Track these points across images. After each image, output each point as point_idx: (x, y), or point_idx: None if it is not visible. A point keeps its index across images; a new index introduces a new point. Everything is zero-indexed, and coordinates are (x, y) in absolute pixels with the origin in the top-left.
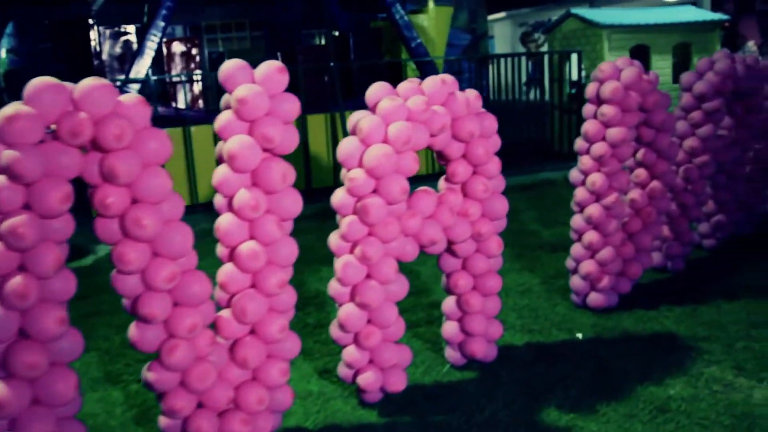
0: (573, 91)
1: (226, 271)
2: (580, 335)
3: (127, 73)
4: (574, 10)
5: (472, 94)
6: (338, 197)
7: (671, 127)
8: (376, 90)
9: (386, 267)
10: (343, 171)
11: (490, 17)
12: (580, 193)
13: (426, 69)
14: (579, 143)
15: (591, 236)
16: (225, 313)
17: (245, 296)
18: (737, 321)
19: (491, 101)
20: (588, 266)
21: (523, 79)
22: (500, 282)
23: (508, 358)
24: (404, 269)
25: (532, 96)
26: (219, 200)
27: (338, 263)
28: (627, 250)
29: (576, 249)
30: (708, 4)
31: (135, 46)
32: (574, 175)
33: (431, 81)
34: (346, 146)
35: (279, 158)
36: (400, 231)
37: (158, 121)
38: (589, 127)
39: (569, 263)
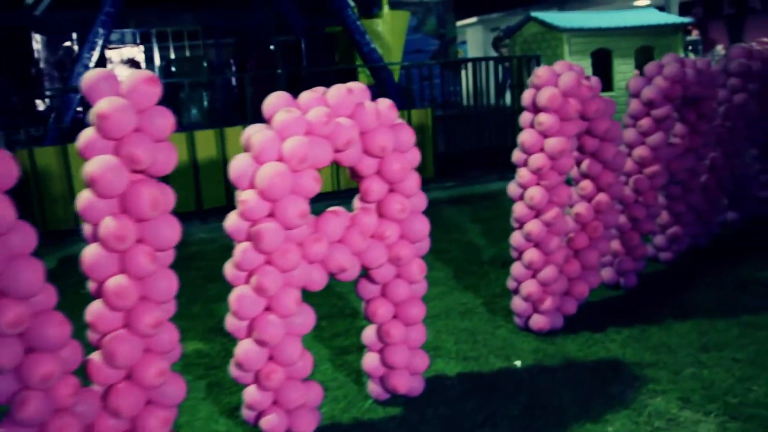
0: None
1: (94, 308)
2: (518, 363)
3: (66, 81)
4: (534, 14)
5: (385, 104)
6: (231, 221)
7: (616, 135)
8: (272, 101)
9: (286, 299)
10: (237, 192)
11: (462, 22)
12: (518, 209)
13: (379, 75)
14: (516, 154)
15: (531, 254)
16: (96, 356)
17: (115, 338)
18: (687, 344)
19: (464, 107)
20: (529, 287)
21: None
22: (423, 310)
23: (437, 392)
24: (339, 288)
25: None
26: (86, 228)
27: (233, 295)
28: (572, 268)
29: (516, 268)
30: (676, 8)
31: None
32: (512, 189)
33: (336, 90)
34: (238, 164)
35: (152, 181)
36: (302, 258)
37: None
38: (525, 137)
39: (510, 283)
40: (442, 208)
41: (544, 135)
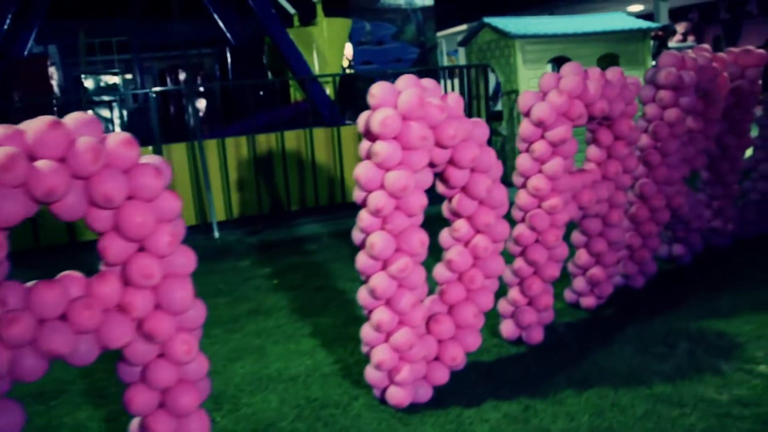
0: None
1: None
2: None
3: None
4: (487, 19)
5: (115, 139)
6: None
7: (488, 166)
8: None
9: None
10: None
11: (452, 30)
12: (361, 260)
13: (308, 87)
14: (355, 192)
15: (381, 315)
16: None
17: None
18: (576, 429)
19: None
20: (380, 354)
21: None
22: (196, 397)
23: None
24: None
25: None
26: None
27: None
28: (442, 327)
29: (365, 330)
30: (665, 14)
31: None
32: (354, 234)
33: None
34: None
35: None
36: None
37: None
38: (360, 171)
39: (363, 348)
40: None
41: (384, 168)
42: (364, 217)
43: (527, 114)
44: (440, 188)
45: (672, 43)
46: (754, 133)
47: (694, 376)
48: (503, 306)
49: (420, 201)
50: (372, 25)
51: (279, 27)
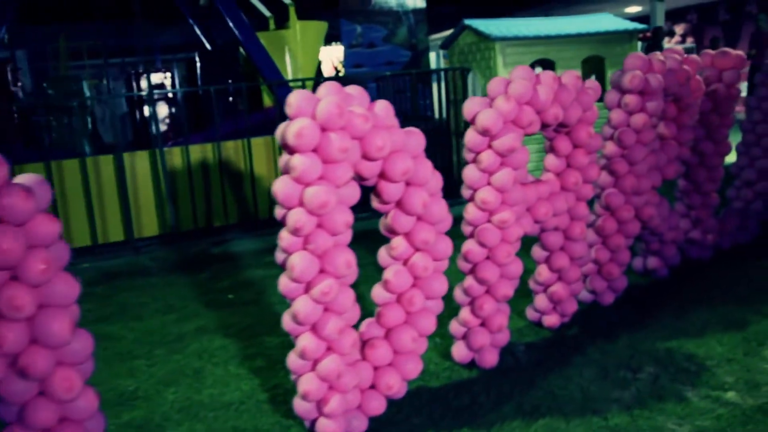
0: None
1: None
2: None
3: None
4: (468, 21)
5: None
6: None
7: (424, 178)
8: None
9: None
10: None
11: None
12: (283, 282)
13: (278, 92)
14: (278, 211)
15: (306, 341)
16: None
17: None
18: None
19: (436, 120)
20: (306, 384)
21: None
22: None
23: None
24: None
25: None
26: None
27: None
28: (378, 354)
29: (291, 359)
30: (662, 15)
31: None
32: (277, 255)
33: None
34: None
35: None
36: None
37: None
38: (279, 187)
39: (292, 377)
40: None
41: (302, 183)
42: (284, 236)
43: (472, 122)
44: (374, 203)
45: (670, 44)
46: (737, 138)
47: (655, 406)
48: (455, 327)
49: (344, 218)
50: (363, 27)
51: (247, 30)
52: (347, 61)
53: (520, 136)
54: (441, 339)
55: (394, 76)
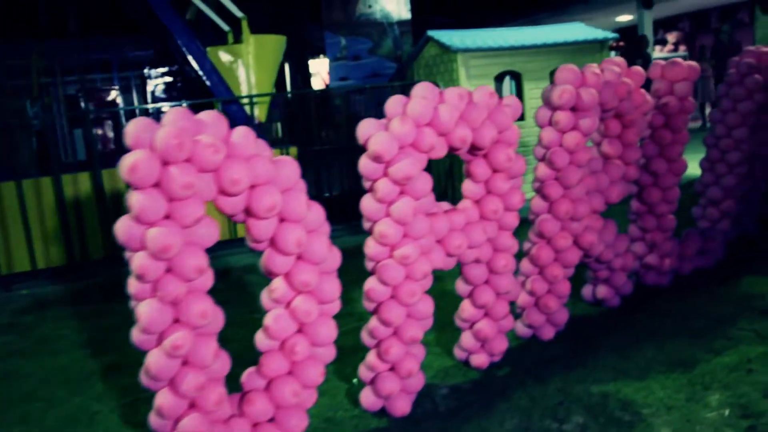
0: None
1: None
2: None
3: None
4: (431, 33)
5: None
6: None
7: (298, 214)
8: None
9: None
10: None
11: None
12: (135, 333)
13: (227, 111)
14: (127, 253)
15: (162, 399)
16: None
17: None
18: None
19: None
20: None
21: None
22: None
23: None
24: None
25: None
26: None
27: None
28: (255, 408)
29: (151, 416)
30: (650, 24)
31: None
32: (132, 303)
33: None
34: None
35: None
36: None
37: None
38: (119, 226)
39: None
40: None
41: (143, 224)
42: (131, 281)
43: (365, 146)
44: (247, 241)
45: (663, 52)
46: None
47: None
48: (363, 371)
49: (195, 262)
50: (348, 40)
51: (192, 44)
52: (332, 74)
53: (420, 161)
54: (359, 381)
55: (374, 89)
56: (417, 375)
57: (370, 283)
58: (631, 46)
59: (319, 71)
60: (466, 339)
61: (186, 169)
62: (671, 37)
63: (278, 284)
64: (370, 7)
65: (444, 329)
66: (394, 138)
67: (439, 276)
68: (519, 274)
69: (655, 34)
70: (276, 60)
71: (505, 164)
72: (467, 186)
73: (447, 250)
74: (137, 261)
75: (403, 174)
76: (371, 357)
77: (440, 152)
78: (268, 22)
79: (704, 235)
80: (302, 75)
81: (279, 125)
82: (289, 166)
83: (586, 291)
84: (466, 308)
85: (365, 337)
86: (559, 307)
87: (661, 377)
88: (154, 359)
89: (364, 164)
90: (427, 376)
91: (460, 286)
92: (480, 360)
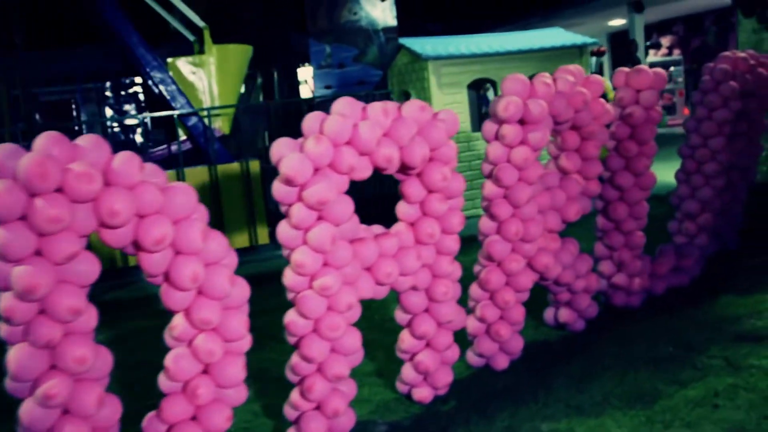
0: None
1: None
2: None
3: None
4: (403, 40)
5: None
6: None
7: (192, 246)
8: None
9: None
10: None
11: None
12: (6, 382)
13: (186, 123)
14: None
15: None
16: None
17: None
18: None
19: None
20: None
21: None
22: None
23: None
24: None
25: None
26: None
27: None
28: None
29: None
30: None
31: None
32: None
33: None
34: None
35: None
36: None
37: None
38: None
39: None
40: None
41: (8, 261)
42: (2, 326)
43: (278, 168)
44: (144, 275)
45: (656, 56)
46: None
47: None
48: (287, 410)
49: (69, 303)
50: (332, 47)
51: (148, 56)
52: (317, 82)
53: (339, 183)
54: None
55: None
56: (345, 414)
57: (290, 316)
58: (622, 50)
59: (308, 79)
60: (407, 371)
61: (55, 201)
62: (665, 41)
63: (178, 321)
64: (355, 14)
65: (390, 359)
66: (307, 159)
67: (385, 301)
68: (469, 299)
69: (649, 38)
70: (241, 70)
71: (440, 184)
72: (401, 208)
73: (376, 278)
74: (4, 302)
75: (318, 198)
76: (295, 395)
77: (363, 173)
78: (254, 30)
79: (679, 251)
80: (289, 83)
81: (266, 135)
82: (182, 194)
83: (548, 314)
84: (405, 339)
85: (288, 374)
86: (512, 335)
87: (618, 413)
88: (26, 409)
89: (277, 188)
90: (366, 411)
91: (399, 315)
92: (422, 394)
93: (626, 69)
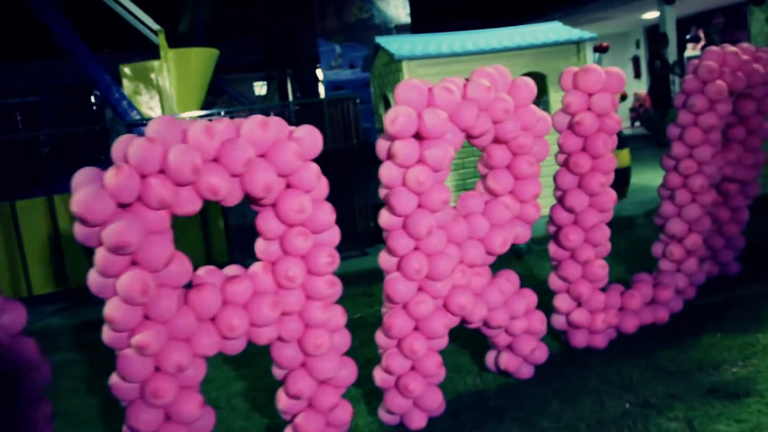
0: None
1: None
2: None
3: None
4: (379, 40)
5: None
6: None
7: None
8: None
9: None
10: None
11: None
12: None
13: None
14: None
15: None
16: None
17: None
18: None
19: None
20: None
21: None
22: None
23: None
24: None
25: None
26: None
27: None
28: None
29: None
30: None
31: None
32: None
33: None
34: None
35: None
36: None
37: None
38: None
39: None
40: None
41: None
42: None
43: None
44: None
45: (696, 50)
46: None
47: None
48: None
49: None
50: (343, 47)
51: (94, 67)
52: (326, 83)
53: (148, 222)
54: None
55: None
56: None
57: (113, 378)
58: (605, 47)
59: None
60: None
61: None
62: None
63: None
64: (366, 11)
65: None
66: (103, 195)
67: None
68: (378, 347)
69: (687, 31)
70: (204, 75)
71: (296, 216)
72: (258, 245)
73: (222, 332)
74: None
75: (117, 241)
76: None
77: (187, 208)
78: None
79: (657, 281)
80: (300, 85)
81: None
82: None
83: (489, 359)
84: (281, 399)
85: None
86: (428, 389)
87: None
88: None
89: (76, 228)
90: None
91: (274, 370)
92: None
93: (574, 69)
